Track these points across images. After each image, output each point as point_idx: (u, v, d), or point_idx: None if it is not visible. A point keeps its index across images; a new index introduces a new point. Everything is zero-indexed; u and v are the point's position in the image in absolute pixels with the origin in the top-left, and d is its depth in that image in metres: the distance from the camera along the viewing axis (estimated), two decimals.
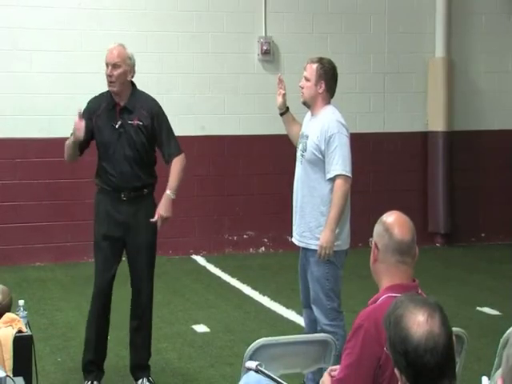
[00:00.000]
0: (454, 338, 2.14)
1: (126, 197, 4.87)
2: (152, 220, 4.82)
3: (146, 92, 5.08)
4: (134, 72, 4.89)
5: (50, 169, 8.56)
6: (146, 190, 4.93)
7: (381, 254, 2.90)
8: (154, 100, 5.00)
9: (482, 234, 10.02)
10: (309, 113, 4.86)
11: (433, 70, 9.82)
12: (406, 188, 9.80)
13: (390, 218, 2.93)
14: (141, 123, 4.84)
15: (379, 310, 2.73)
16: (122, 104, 4.87)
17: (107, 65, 4.82)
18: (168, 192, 4.86)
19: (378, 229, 2.94)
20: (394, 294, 2.70)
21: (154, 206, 4.90)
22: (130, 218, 4.86)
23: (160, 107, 4.98)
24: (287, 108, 5.01)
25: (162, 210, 4.84)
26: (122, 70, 4.79)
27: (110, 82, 4.82)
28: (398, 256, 2.87)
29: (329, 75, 4.73)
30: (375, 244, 2.93)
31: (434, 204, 9.80)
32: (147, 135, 4.88)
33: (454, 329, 2.18)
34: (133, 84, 4.93)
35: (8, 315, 4.27)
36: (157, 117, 4.90)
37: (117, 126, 4.83)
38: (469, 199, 9.89)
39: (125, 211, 4.87)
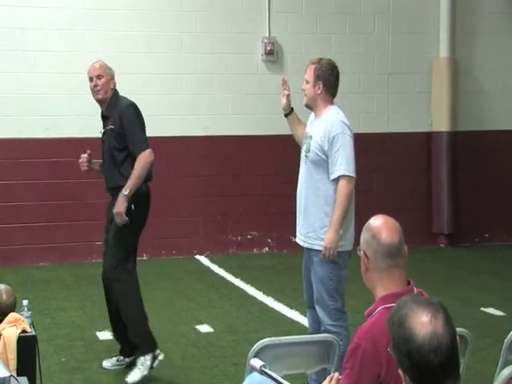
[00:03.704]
0: (457, 338, 2.13)
1: (112, 195, 5.24)
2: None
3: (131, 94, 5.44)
4: (114, 82, 5.33)
5: (54, 169, 8.58)
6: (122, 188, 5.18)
7: (371, 261, 2.86)
8: (125, 101, 5.28)
9: (486, 235, 10.01)
10: (313, 113, 4.85)
11: (437, 70, 9.81)
12: (410, 188, 9.79)
13: (375, 223, 2.88)
14: (113, 127, 5.21)
15: (375, 326, 2.72)
16: (103, 112, 5.34)
17: (91, 78, 5.29)
18: (122, 190, 5.05)
19: (364, 237, 2.89)
20: (389, 305, 2.65)
21: (130, 208, 5.08)
22: (112, 213, 5.17)
23: (127, 107, 5.22)
24: (292, 109, 5.00)
25: (115, 207, 5.07)
26: (105, 79, 5.26)
27: (96, 92, 5.27)
28: (388, 260, 2.83)
29: (326, 75, 4.70)
30: (364, 253, 2.88)
31: (438, 204, 9.79)
32: (116, 137, 5.18)
33: (457, 329, 2.18)
34: (116, 93, 5.32)
35: (12, 315, 4.27)
36: (123, 116, 5.18)
37: (102, 134, 5.34)
38: (473, 199, 9.88)
39: (111, 207, 5.21)
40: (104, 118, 5.33)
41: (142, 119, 5.27)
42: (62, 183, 8.62)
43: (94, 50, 8.70)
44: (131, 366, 5.26)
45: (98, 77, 5.24)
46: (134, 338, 5.22)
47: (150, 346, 5.17)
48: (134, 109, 5.23)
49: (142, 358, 5.12)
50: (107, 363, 5.40)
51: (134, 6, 8.90)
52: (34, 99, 8.53)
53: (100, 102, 5.31)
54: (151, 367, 5.14)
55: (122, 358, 5.40)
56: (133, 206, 5.08)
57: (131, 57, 8.88)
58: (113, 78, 5.31)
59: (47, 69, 8.60)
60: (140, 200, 5.13)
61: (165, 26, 8.98)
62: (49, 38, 8.59)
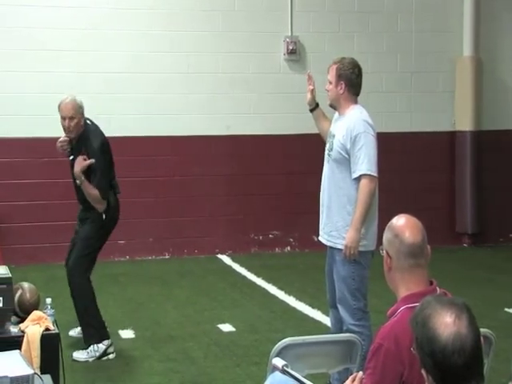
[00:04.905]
0: (481, 339, 2.11)
1: (81, 205, 5.80)
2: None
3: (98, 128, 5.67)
4: (83, 117, 5.59)
5: None
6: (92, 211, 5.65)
7: (394, 261, 2.86)
8: (95, 143, 5.52)
9: (511, 235, 9.93)
10: (337, 113, 4.83)
11: (460, 69, 9.75)
12: (433, 188, 9.73)
13: (398, 223, 2.88)
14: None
15: (398, 325, 2.71)
16: (73, 145, 5.66)
17: (64, 118, 5.53)
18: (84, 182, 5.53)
19: (387, 236, 2.89)
20: (412, 305, 2.66)
21: (101, 216, 5.60)
22: (81, 221, 5.81)
23: (95, 152, 5.49)
24: (317, 104, 4.99)
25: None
26: (76, 119, 5.52)
27: (69, 132, 5.57)
28: (411, 259, 2.83)
29: (348, 75, 4.68)
30: (387, 252, 2.89)
31: (462, 204, 9.72)
32: (85, 171, 5.53)
33: (481, 330, 2.16)
34: (85, 128, 5.59)
35: (36, 313, 4.31)
36: (92, 158, 5.51)
37: (71, 160, 5.67)
38: (496, 199, 9.81)
39: (81, 215, 5.83)
40: (75, 148, 5.63)
41: (110, 159, 5.62)
42: None
43: (115, 50, 8.76)
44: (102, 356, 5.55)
45: (71, 118, 5.50)
46: (87, 328, 5.57)
47: (102, 335, 5.56)
48: (101, 152, 5.51)
49: (95, 346, 5.49)
50: (73, 332, 5.89)
51: (156, 6, 8.92)
52: (55, 98, 8.54)
53: (71, 139, 5.63)
54: (99, 358, 5.47)
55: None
56: (104, 216, 5.57)
57: (153, 56, 8.91)
58: (83, 115, 5.58)
59: (69, 68, 8.64)
60: (109, 210, 5.60)
61: (187, 26, 8.99)
62: (71, 38, 8.63)
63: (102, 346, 5.51)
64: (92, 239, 5.67)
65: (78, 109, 5.54)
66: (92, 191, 5.52)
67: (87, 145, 5.54)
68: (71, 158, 5.65)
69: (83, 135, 5.57)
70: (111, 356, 5.54)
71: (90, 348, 5.50)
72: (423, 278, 2.85)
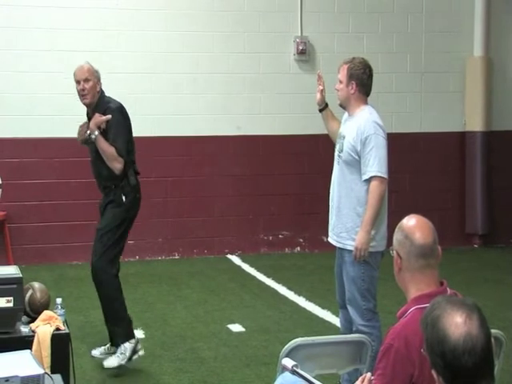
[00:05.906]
0: (492, 339, 2.11)
1: (102, 191, 5.50)
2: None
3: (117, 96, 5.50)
4: (100, 84, 5.39)
5: (87, 168, 8.61)
6: (113, 185, 5.37)
7: (404, 262, 2.86)
8: (112, 105, 5.34)
9: None
10: (346, 113, 4.83)
11: (471, 69, 9.72)
12: (444, 188, 9.71)
13: (409, 223, 2.88)
14: (101, 130, 5.32)
15: (408, 326, 2.71)
16: (89, 115, 5.41)
17: (78, 82, 5.34)
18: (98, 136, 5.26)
19: (397, 237, 2.89)
20: (422, 306, 2.66)
21: (121, 199, 5.34)
22: (102, 207, 5.47)
23: (114, 111, 5.30)
24: (326, 104, 4.99)
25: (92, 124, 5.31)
26: (92, 82, 5.32)
27: (83, 96, 5.35)
28: (422, 260, 2.82)
29: (360, 75, 4.67)
30: (397, 253, 2.88)
31: (472, 205, 9.70)
32: (106, 139, 5.29)
33: (492, 330, 2.15)
34: (102, 95, 5.39)
35: (46, 313, 4.32)
36: (110, 119, 5.28)
37: (89, 135, 5.37)
38: (507, 200, 9.78)
39: (102, 202, 5.49)
40: (91, 120, 5.38)
41: (129, 123, 5.40)
42: (94, 182, 8.66)
43: (126, 50, 8.78)
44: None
45: (86, 80, 5.30)
46: (113, 326, 5.36)
47: (129, 334, 5.33)
48: (120, 112, 5.33)
49: (122, 347, 5.28)
50: (96, 352, 5.53)
51: (167, 6, 8.94)
52: (67, 99, 8.58)
53: (87, 105, 5.39)
54: (130, 359, 5.28)
55: (110, 346, 5.50)
56: (123, 198, 5.33)
57: (164, 56, 8.92)
58: (99, 80, 5.38)
59: None
60: (129, 192, 5.36)
61: (197, 26, 9.01)
62: (83, 38, 8.66)
63: (129, 345, 5.29)
64: (112, 229, 5.32)
65: (94, 72, 5.34)
66: (108, 148, 5.24)
67: (105, 108, 5.30)
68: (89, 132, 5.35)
69: (99, 104, 5.34)
70: (141, 353, 5.37)
71: (117, 352, 5.29)
72: (434, 278, 2.85)
